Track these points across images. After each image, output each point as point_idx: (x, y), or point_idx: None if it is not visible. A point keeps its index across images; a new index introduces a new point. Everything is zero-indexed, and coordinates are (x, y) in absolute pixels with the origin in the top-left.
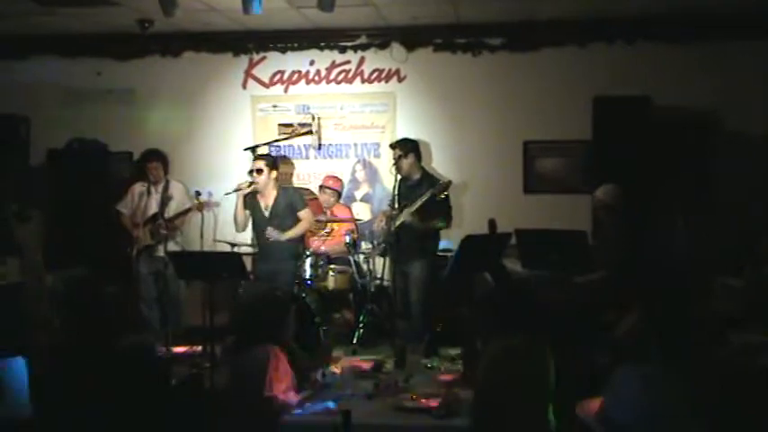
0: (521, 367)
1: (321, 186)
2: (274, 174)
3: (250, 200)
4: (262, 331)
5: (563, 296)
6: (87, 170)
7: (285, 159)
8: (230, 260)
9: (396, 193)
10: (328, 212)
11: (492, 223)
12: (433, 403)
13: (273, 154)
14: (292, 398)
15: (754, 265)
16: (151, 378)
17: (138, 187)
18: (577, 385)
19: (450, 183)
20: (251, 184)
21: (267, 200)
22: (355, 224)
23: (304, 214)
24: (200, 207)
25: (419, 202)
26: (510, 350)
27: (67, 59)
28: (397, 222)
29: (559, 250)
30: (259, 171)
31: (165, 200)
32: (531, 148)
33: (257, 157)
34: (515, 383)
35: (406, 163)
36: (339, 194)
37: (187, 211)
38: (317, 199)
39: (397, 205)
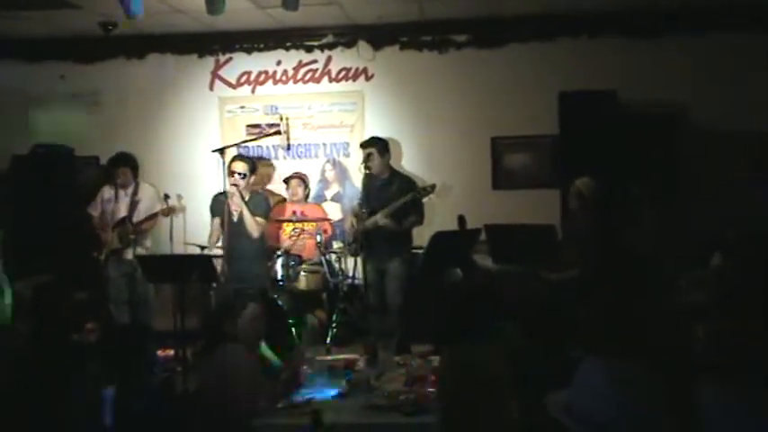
0: (477, 365)
1: (286, 180)
2: (252, 179)
3: (219, 205)
4: (233, 333)
5: (534, 291)
6: (53, 176)
7: (264, 161)
8: (200, 262)
9: (365, 192)
10: (299, 212)
11: (461, 219)
12: (405, 401)
13: (253, 156)
14: (263, 400)
15: (726, 255)
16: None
17: (107, 191)
18: (548, 380)
19: (434, 186)
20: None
21: (238, 205)
22: (331, 224)
23: (260, 220)
24: (167, 212)
25: (399, 204)
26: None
27: (30, 63)
28: (368, 224)
29: (528, 245)
30: (243, 176)
31: (133, 203)
32: (498, 144)
33: (239, 159)
34: (473, 380)
35: (379, 161)
36: (305, 183)
37: (155, 215)
38: (284, 201)
39: (366, 206)
